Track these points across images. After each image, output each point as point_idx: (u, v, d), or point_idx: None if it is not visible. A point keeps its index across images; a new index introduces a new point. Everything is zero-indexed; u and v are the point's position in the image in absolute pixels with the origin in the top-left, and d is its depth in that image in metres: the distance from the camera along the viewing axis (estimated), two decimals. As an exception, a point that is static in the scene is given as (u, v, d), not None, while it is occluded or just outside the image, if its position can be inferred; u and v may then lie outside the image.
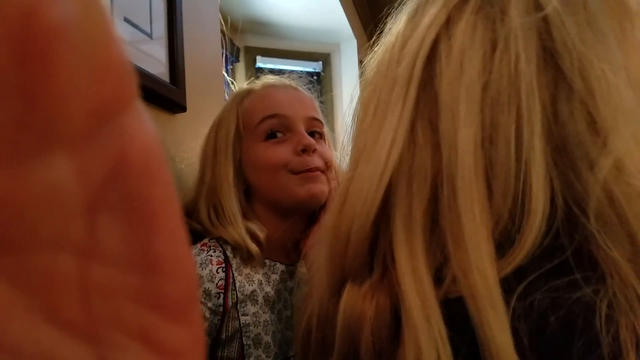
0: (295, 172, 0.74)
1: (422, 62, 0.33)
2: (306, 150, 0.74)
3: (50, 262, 0.11)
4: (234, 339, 0.72)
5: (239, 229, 0.73)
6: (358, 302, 0.33)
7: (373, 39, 0.42)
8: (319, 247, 0.40)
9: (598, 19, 0.30)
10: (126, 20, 0.87)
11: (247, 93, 0.82)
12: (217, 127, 0.82)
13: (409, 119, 0.34)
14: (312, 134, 0.78)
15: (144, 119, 0.13)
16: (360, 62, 3.08)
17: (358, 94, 0.42)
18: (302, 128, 0.76)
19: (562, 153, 0.30)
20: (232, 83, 2.29)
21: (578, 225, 0.29)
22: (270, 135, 0.76)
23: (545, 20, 0.31)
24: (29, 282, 0.11)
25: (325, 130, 0.81)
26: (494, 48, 0.31)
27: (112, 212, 0.12)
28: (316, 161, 0.74)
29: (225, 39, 2.19)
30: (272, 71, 2.63)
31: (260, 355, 0.73)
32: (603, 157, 0.28)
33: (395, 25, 0.39)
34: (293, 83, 0.83)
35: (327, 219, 0.38)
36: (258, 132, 0.76)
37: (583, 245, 0.29)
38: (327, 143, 0.81)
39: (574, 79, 0.30)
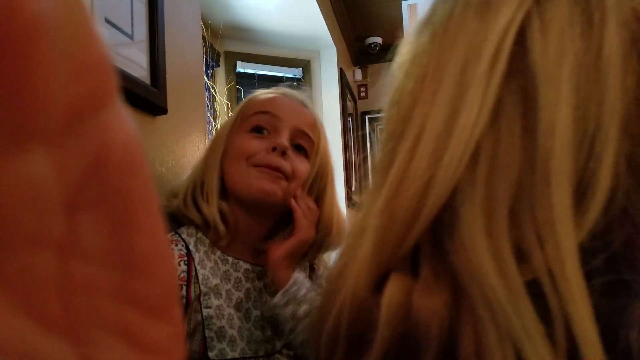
0: (256, 165, 0.75)
1: (513, 36, 0.30)
2: (276, 149, 0.75)
3: (29, 259, 0.11)
4: (197, 331, 0.72)
5: (212, 208, 0.75)
6: (416, 296, 0.30)
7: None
8: (349, 240, 0.36)
9: None
10: (107, 21, 0.86)
11: (265, 93, 0.84)
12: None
13: (495, 95, 0.30)
14: (297, 145, 0.79)
15: (124, 116, 0.12)
16: (340, 69, 3.10)
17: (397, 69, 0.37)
18: (285, 132, 0.77)
19: (634, 142, 0.28)
20: (213, 87, 2.29)
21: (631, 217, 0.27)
22: (257, 129, 0.78)
23: (635, 8, 0.30)
24: (8, 279, 0.11)
25: (317, 152, 0.82)
26: (590, 26, 0.29)
27: (92, 209, 0.12)
28: (281, 163, 0.75)
29: (206, 43, 2.19)
30: (251, 76, 2.65)
31: (224, 348, 0.72)
32: None
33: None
34: (305, 99, 0.85)
35: (374, 203, 0.34)
36: (247, 123, 0.79)
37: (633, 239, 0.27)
38: (310, 162, 0.81)
39: None
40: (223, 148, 0.79)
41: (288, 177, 0.76)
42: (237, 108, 0.84)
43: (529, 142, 0.29)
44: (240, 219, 0.78)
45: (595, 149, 0.28)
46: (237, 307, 0.77)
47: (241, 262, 0.79)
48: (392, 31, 3.63)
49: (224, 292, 0.75)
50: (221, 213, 0.76)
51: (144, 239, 0.13)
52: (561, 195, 0.28)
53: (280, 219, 0.82)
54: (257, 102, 0.81)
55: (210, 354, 0.71)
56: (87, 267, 0.12)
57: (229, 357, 0.72)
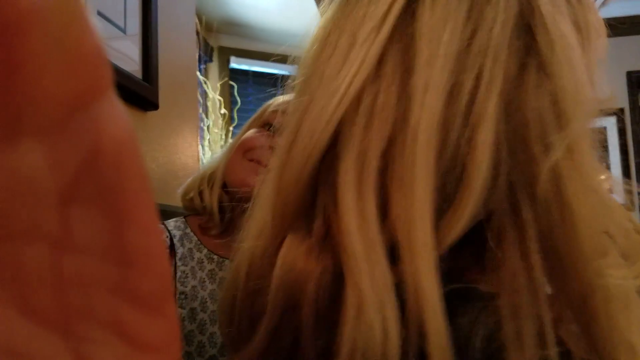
0: (250, 159, 0.75)
1: (402, 3, 0.32)
2: (272, 149, 0.74)
3: (22, 253, 0.11)
4: None
5: (214, 195, 0.76)
6: (299, 259, 0.30)
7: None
8: (261, 191, 0.36)
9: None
10: (99, 14, 0.85)
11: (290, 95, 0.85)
12: None
13: (378, 53, 0.31)
14: None
15: (118, 109, 0.12)
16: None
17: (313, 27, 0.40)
18: None
19: (517, 127, 0.29)
20: (205, 82, 2.28)
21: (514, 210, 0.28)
22: (268, 126, 0.78)
23: None
24: (1, 273, 0.11)
25: None
26: (476, 5, 0.31)
27: (86, 203, 0.12)
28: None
29: (199, 38, 2.18)
30: (245, 73, 2.63)
31: (191, 352, 0.71)
32: (560, 141, 0.28)
33: None
34: None
35: (274, 160, 0.34)
36: (262, 120, 0.79)
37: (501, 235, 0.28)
38: None
39: (546, 52, 0.30)
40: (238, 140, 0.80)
41: None
42: (264, 105, 0.84)
43: (403, 103, 0.30)
44: (236, 215, 0.77)
45: (470, 121, 0.29)
46: (210, 319, 0.75)
47: (227, 261, 0.79)
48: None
49: (200, 296, 0.74)
50: (221, 204, 0.76)
51: (138, 234, 0.13)
52: (423, 176, 0.28)
53: None
54: (277, 101, 0.81)
55: None
56: (80, 262, 0.12)
57: None
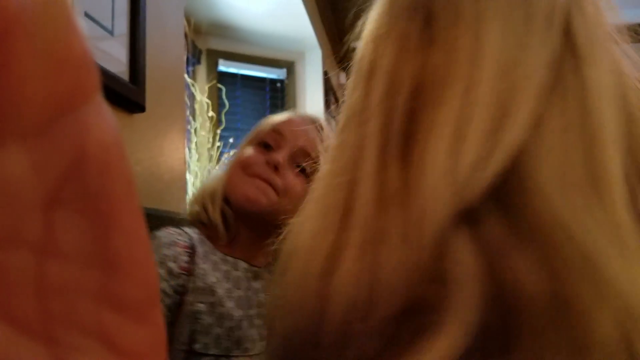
0: (250, 175, 0.80)
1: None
2: (269, 163, 0.79)
3: (5, 259, 0.11)
4: (186, 322, 0.75)
5: (216, 209, 0.81)
6: (500, 258, 0.27)
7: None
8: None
9: None
10: (87, 15, 0.84)
11: (284, 113, 0.91)
12: None
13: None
14: (299, 165, 0.82)
15: (105, 113, 0.12)
16: (325, 72, 3.10)
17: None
18: (285, 150, 0.80)
19: None
20: (193, 85, 2.26)
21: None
22: (264, 145, 0.82)
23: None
24: None
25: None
26: None
27: (70, 208, 0.12)
28: (272, 177, 0.78)
29: (187, 40, 2.17)
30: (233, 75, 2.62)
31: (208, 343, 0.76)
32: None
33: None
34: (322, 122, 0.88)
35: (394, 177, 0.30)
36: (258, 138, 0.84)
37: None
38: (309, 181, 0.81)
39: None
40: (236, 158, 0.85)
41: (278, 191, 0.79)
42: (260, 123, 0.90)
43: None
44: (241, 227, 0.82)
45: None
46: (237, 304, 0.80)
47: (240, 262, 0.83)
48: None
49: (220, 291, 0.79)
50: (224, 216, 0.81)
51: (124, 240, 0.12)
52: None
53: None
54: (272, 120, 0.86)
55: (195, 346, 0.75)
56: (64, 268, 0.12)
57: (211, 352, 0.75)
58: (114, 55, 0.92)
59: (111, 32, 0.91)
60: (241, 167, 0.80)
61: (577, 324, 0.24)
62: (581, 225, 0.25)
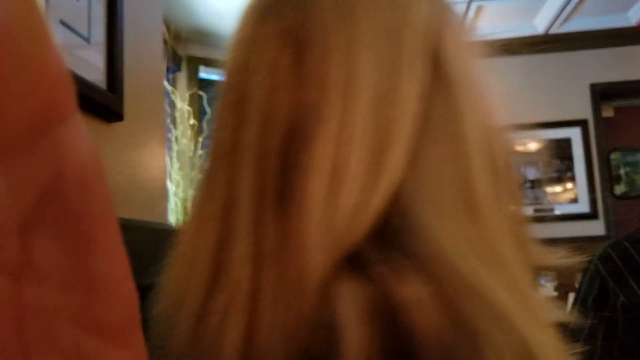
0: None
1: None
2: None
3: None
4: None
5: None
6: (392, 284, 0.28)
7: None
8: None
9: None
10: (62, 23, 0.82)
11: None
12: None
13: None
14: None
15: (82, 131, 0.12)
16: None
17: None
18: None
19: None
20: (173, 93, 2.24)
21: None
22: None
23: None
24: None
25: None
26: None
27: (48, 230, 0.12)
28: None
29: (167, 47, 2.15)
30: (215, 82, 2.60)
31: None
32: None
33: None
34: None
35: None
36: None
37: None
38: None
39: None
40: None
41: None
42: None
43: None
44: None
45: None
46: None
47: None
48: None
49: None
50: None
51: (102, 261, 0.12)
52: None
53: None
54: None
55: None
56: (42, 291, 0.12)
57: None
58: (91, 63, 0.90)
59: (88, 40, 0.90)
60: None
61: (475, 357, 0.25)
62: (463, 257, 0.27)
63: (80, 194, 0.12)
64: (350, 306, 0.25)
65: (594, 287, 0.99)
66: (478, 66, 0.33)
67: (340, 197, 0.27)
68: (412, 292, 0.25)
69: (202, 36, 2.49)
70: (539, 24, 3.60)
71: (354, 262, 0.27)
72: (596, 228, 3.49)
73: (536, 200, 3.62)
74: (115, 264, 0.13)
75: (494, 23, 3.57)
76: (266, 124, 0.29)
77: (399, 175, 0.28)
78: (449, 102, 0.30)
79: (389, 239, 0.28)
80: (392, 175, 0.28)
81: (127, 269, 0.13)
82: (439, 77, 0.30)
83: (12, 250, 0.11)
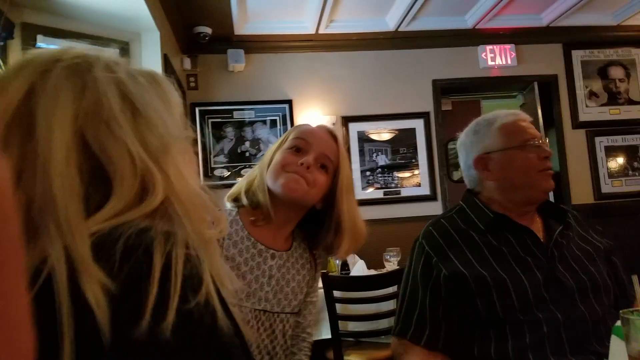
0: (287, 172, 1.16)
1: (20, 98, 0.50)
2: (302, 163, 1.16)
3: None
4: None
5: (265, 196, 1.18)
6: None
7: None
8: None
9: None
10: None
11: (306, 124, 1.31)
12: None
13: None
14: (322, 165, 1.20)
15: None
16: (165, 55, 2.96)
17: None
18: (313, 154, 1.18)
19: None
20: (3, 63, 1.98)
21: None
22: (295, 149, 1.20)
23: (118, 78, 0.55)
24: None
25: (336, 171, 1.22)
26: (84, 88, 0.52)
27: None
28: (305, 173, 1.15)
29: (-4, 10, 1.89)
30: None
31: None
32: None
33: None
34: (333, 130, 1.28)
35: None
36: (289, 143, 1.21)
37: None
38: (329, 177, 1.21)
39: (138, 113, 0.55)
40: (269, 159, 1.21)
41: (309, 183, 1.15)
42: (286, 133, 1.26)
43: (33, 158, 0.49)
44: (278, 210, 1.18)
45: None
46: (249, 269, 1.16)
47: (259, 244, 1.19)
48: (222, 23, 3.59)
49: (238, 260, 1.16)
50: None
51: (2, 304, 0.12)
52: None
53: (306, 220, 1.25)
54: (299, 130, 1.24)
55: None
56: None
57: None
58: None
59: None
60: (281, 166, 1.16)
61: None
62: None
63: None
64: None
65: (420, 261, 1.22)
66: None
67: None
68: None
69: (41, 1, 2.24)
70: (390, 21, 3.84)
71: None
72: (435, 208, 3.93)
73: (385, 184, 3.94)
74: (12, 307, 0.12)
75: (350, 17, 3.74)
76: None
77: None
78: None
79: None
80: None
81: (26, 312, 0.13)
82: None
83: None
